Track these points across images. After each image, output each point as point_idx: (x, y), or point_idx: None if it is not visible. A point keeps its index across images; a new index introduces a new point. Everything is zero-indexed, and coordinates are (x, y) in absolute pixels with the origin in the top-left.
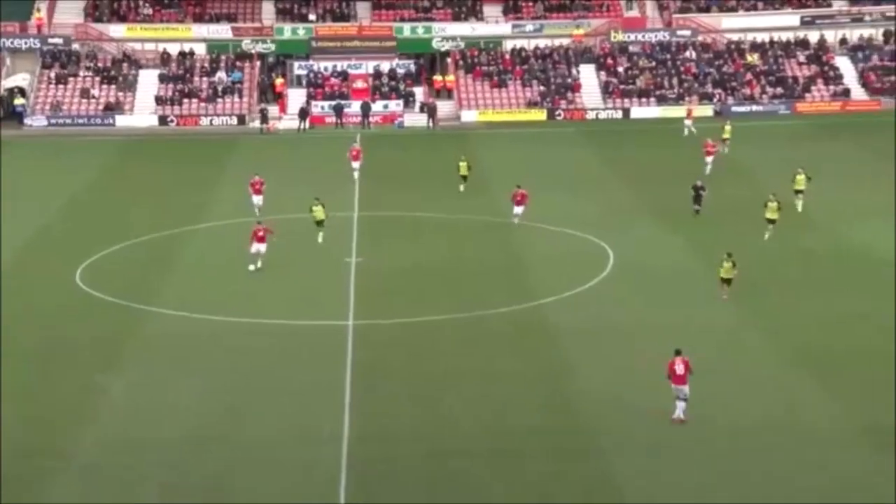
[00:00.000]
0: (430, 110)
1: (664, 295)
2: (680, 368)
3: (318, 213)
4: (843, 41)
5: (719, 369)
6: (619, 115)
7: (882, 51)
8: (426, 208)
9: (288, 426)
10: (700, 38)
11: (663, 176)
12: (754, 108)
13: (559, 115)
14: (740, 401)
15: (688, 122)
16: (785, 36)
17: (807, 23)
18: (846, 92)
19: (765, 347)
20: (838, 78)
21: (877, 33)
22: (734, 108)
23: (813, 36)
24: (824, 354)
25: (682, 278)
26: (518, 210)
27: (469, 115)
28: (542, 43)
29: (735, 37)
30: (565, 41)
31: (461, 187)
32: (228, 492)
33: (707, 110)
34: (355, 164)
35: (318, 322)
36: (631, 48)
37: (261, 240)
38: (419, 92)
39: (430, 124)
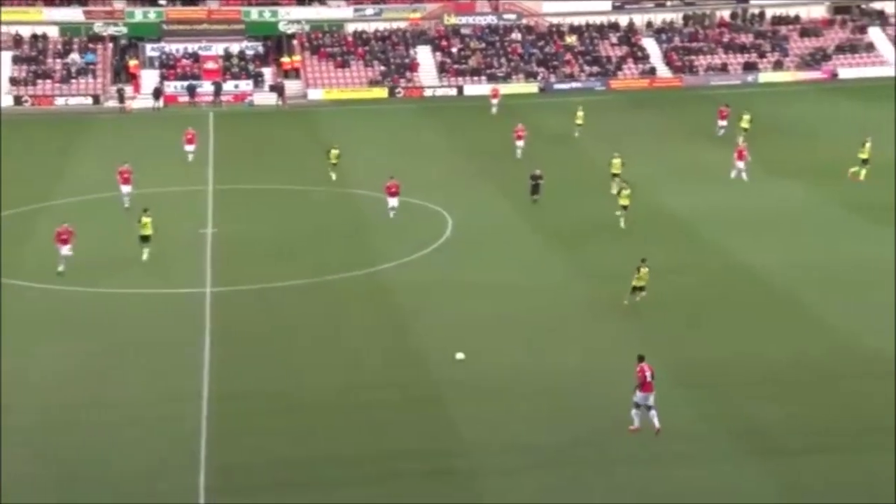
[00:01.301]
0: (278, 90)
1: (497, 256)
2: (649, 375)
3: (146, 226)
4: (649, 24)
5: (546, 321)
6: (454, 92)
7: (682, 33)
8: (278, 180)
9: (151, 387)
10: (524, 21)
11: (493, 147)
12: (574, 84)
13: (399, 92)
14: (563, 349)
15: (494, 101)
16: (599, 20)
17: (617, 8)
18: (653, 70)
19: (588, 300)
20: (645, 57)
21: (677, 17)
22: (556, 86)
23: (623, 20)
24: (639, 302)
25: (512, 239)
26: (393, 202)
27: (315, 94)
28: (382, 26)
29: (555, 20)
30: (403, 24)
31: (332, 175)
32: (98, 449)
33: (532, 87)
34: (190, 148)
35: (176, 290)
36: (463, 30)
37: (64, 242)
38: (268, 72)
39: (279, 103)
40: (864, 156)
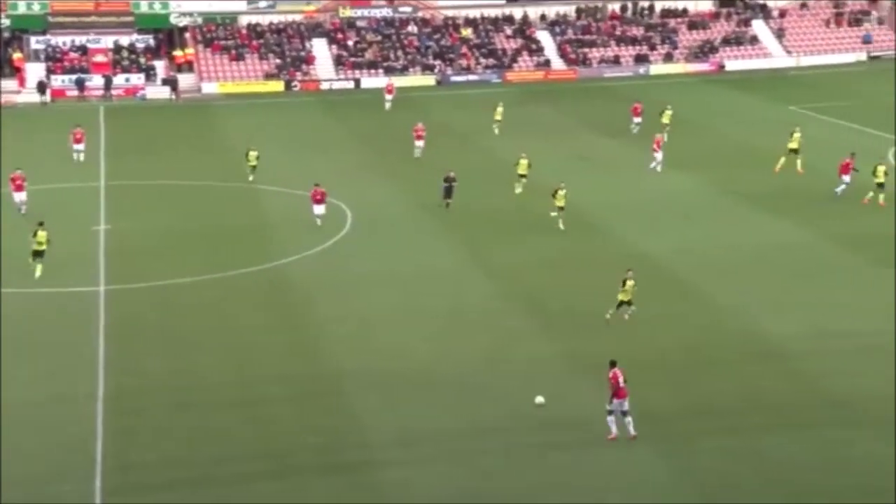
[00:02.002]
0: (172, 83)
1: (397, 248)
2: (622, 380)
3: (42, 242)
4: (543, 17)
5: (446, 309)
6: (351, 85)
7: (575, 26)
8: (172, 176)
9: (43, 388)
10: (420, 14)
11: (392, 139)
12: (470, 77)
13: (295, 86)
14: (463, 340)
15: (388, 96)
16: (493, 12)
17: (512, 0)
18: (547, 62)
19: (486, 290)
20: (540, 50)
21: (570, 10)
22: (453, 78)
23: (517, 12)
24: (533, 291)
25: (411, 232)
26: (319, 209)
27: (210, 88)
28: (276, 18)
29: (450, 13)
30: (297, 17)
31: (250, 177)
32: None
33: (430, 80)
34: (78, 147)
35: (69, 289)
36: (358, 23)
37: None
38: (160, 66)
39: (173, 97)
40: (793, 146)
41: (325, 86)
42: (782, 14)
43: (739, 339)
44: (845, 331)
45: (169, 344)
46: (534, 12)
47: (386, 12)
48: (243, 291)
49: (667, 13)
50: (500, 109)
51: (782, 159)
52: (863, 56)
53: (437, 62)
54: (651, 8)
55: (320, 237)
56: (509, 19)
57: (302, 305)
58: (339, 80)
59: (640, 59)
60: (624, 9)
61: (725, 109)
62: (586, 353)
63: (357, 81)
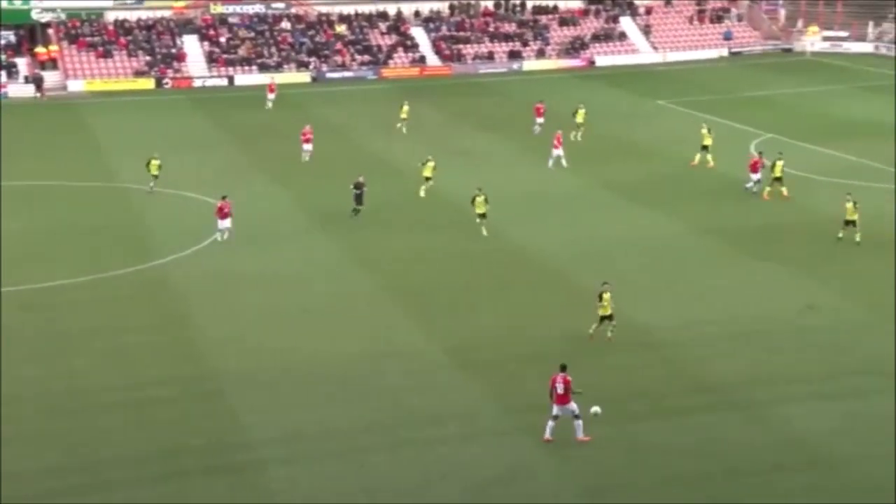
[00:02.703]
0: (36, 81)
1: (275, 246)
2: (560, 388)
3: None
4: (417, 14)
5: (327, 307)
6: (225, 82)
7: (449, 22)
8: (45, 177)
9: None
10: (293, 10)
11: (269, 137)
12: (346, 73)
13: (167, 83)
14: (345, 335)
15: (270, 95)
16: (367, 8)
17: None
18: (423, 59)
19: (366, 285)
20: (415, 46)
21: (444, 7)
22: (328, 75)
23: (391, 8)
24: (414, 287)
25: (290, 230)
26: (224, 224)
27: (76, 85)
28: (145, 14)
29: (324, 9)
30: (167, 13)
31: (151, 184)
32: None
33: (305, 77)
34: None
35: None
36: (230, 19)
37: None
38: (23, 63)
39: (38, 95)
40: (706, 142)
41: (197, 83)
42: (648, 11)
43: (617, 327)
44: (715, 319)
45: (45, 348)
46: (408, 9)
47: (259, 8)
48: (120, 293)
49: (538, 10)
50: (406, 108)
51: (697, 155)
52: (724, 52)
53: (312, 59)
54: (523, 5)
55: (197, 237)
56: (383, 16)
57: (180, 306)
58: (213, 77)
59: (514, 56)
60: (497, 5)
61: (597, 104)
62: (468, 347)
63: (231, 79)
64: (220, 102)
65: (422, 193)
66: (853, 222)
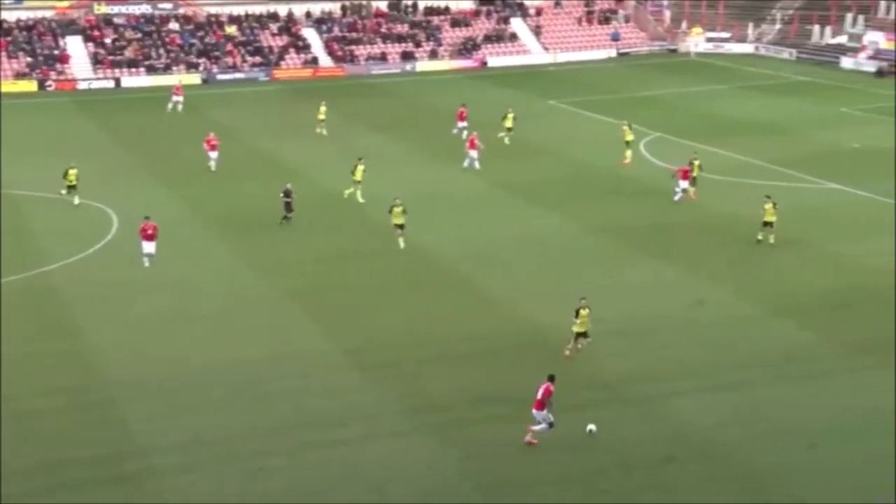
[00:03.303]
0: None
1: (167, 250)
2: (539, 393)
3: None
4: (308, 14)
5: (224, 311)
6: (111, 84)
7: (341, 23)
8: None
9: None
10: (181, 10)
11: (158, 140)
12: (237, 75)
13: (50, 85)
14: (240, 340)
15: (176, 98)
16: (257, 9)
17: None
18: (315, 60)
19: (262, 289)
20: (307, 48)
21: (335, 8)
22: (219, 76)
23: (282, 9)
24: (310, 288)
25: (181, 234)
26: (149, 248)
27: None
28: (24, 15)
29: (213, 10)
30: (48, 13)
31: (73, 198)
32: None
33: (195, 78)
34: None
35: None
36: (116, 20)
37: None
38: None
39: None
40: (628, 138)
41: (82, 85)
42: (538, 12)
43: (513, 329)
44: (609, 317)
45: None
46: (299, 9)
47: (145, 9)
48: (8, 300)
49: (430, 11)
50: (323, 109)
51: (628, 153)
52: (613, 53)
53: (202, 60)
54: (415, 6)
55: (83, 243)
56: (274, 16)
57: (68, 314)
58: (98, 79)
59: (407, 57)
60: (391, 6)
61: (490, 105)
62: (368, 348)
63: (117, 80)
64: (106, 104)
65: (360, 199)
66: (771, 224)
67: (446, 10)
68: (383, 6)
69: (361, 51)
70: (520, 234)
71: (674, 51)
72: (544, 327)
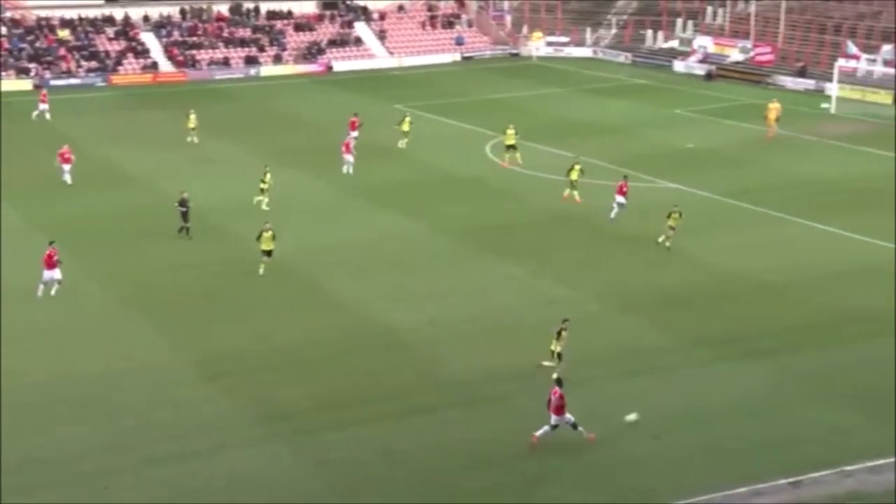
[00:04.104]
0: None
1: (5, 263)
2: (554, 399)
3: None
4: (146, 18)
5: (63, 326)
6: None
7: (181, 27)
8: None
9: None
10: (9, 14)
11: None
12: (72, 81)
13: None
14: (86, 351)
15: (43, 106)
16: (91, 13)
17: (112, 0)
18: (155, 65)
19: (102, 297)
20: (146, 52)
21: (174, 11)
22: (53, 82)
23: (118, 13)
24: (156, 299)
25: (20, 244)
26: (52, 275)
27: None
28: None
29: (43, 13)
30: None
31: None
32: None
33: (26, 84)
34: None
35: None
36: None
37: None
38: None
39: None
40: (510, 142)
41: None
42: (382, 17)
43: (358, 333)
44: (460, 317)
45: None
46: (136, 13)
47: None
48: None
49: (273, 15)
50: (192, 117)
51: (507, 156)
52: (457, 56)
53: (34, 65)
54: (257, 9)
55: None
56: (110, 20)
57: None
58: None
59: (251, 61)
60: (232, 10)
61: (337, 109)
62: (215, 358)
63: None
64: None
65: (263, 206)
66: (673, 227)
67: (289, 14)
68: (224, 10)
69: (203, 55)
70: (370, 238)
71: (516, 55)
72: (396, 329)
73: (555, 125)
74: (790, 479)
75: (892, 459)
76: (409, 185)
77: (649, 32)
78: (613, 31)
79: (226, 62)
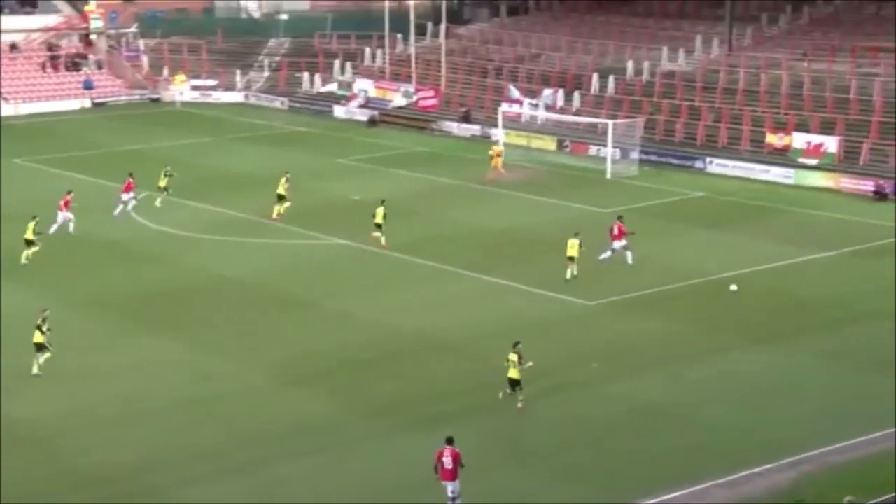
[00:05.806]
0: None
1: None
2: (448, 462)
3: None
4: None
5: None
6: None
7: None
8: None
9: None
10: None
11: None
12: None
13: None
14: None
15: None
16: None
17: None
18: None
19: None
20: None
21: None
22: None
23: None
24: None
25: None
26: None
27: None
28: None
29: None
30: None
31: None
32: None
33: None
34: None
35: None
36: None
37: None
38: None
39: None
40: (280, 191)
41: None
42: None
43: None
44: (103, 401)
45: None
46: None
47: None
48: None
49: None
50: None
51: (276, 207)
52: (87, 102)
53: None
54: None
55: None
56: None
57: None
58: None
59: None
60: None
61: None
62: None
63: None
64: None
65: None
66: (573, 258)
67: None
68: None
69: None
70: None
71: (157, 100)
72: (25, 421)
73: (203, 178)
74: None
75: None
76: (37, 255)
77: (306, 75)
78: (266, 73)
79: None
